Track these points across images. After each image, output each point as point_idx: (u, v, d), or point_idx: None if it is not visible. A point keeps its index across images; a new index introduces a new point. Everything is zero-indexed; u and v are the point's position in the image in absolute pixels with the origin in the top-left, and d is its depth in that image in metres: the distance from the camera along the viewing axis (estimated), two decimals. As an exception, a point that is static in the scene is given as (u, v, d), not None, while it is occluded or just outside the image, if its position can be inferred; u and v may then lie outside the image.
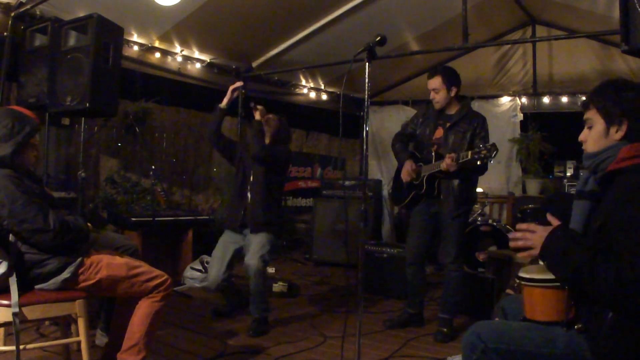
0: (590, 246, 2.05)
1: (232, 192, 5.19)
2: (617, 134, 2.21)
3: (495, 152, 4.20)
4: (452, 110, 4.73)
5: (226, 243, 4.88)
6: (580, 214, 2.29)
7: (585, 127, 2.34)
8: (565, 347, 2.13)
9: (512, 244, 2.25)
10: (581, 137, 2.36)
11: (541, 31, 8.47)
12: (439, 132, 4.74)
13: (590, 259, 1.98)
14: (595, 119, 2.28)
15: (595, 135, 2.28)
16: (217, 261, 4.78)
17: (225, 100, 4.82)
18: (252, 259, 4.58)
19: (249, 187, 4.91)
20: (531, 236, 2.19)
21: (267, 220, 4.81)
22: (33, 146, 3.27)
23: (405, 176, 4.79)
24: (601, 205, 2.19)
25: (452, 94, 4.66)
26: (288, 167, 5.30)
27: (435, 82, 4.67)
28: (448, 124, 4.69)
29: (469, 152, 4.29)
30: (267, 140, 4.92)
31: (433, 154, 4.65)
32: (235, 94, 4.88)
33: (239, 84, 4.85)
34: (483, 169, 4.55)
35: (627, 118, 2.19)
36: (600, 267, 1.95)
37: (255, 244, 4.69)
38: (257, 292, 4.63)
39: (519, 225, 2.26)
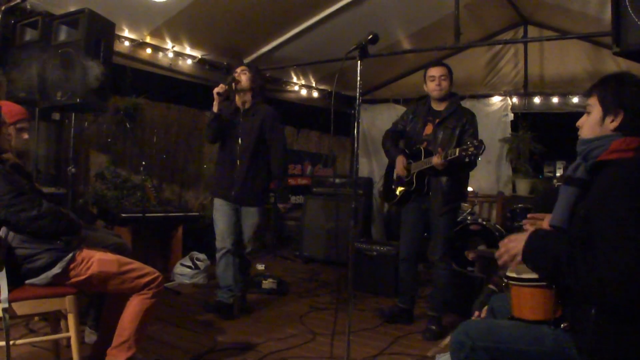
0: (569, 240, 2.09)
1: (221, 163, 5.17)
2: (611, 124, 2.24)
3: (482, 149, 4.22)
4: (442, 107, 4.76)
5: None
6: (567, 199, 2.32)
7: (585, 113, 2.38)
8: (553, 345, 2.15)
9: (499, 262, 2.31)
10: (579, 122, 2.40)
11: (533, 31, 8.50)
12: (429, 129, 4.77)
13: (569, 253, 2.03)
14: (594, 106, 2.31)
15: (591, 122, 2.31)
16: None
17: (215, 105, 4.79)
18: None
19: (238, 163, 4.94)
20: (513, 244, 2.25)
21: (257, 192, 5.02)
22: (6, 126, 3.23)
23: (399, 169, 4.80)
24: (588, 193, 2.21)
25: (451, 84, 4.76)
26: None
27: (443, 69, 4.75)
28: (437, 120, 4.72)
29: (457, 150, 4.31)
30: (249, 101, 4.96)
31: (422, 150, 4.67)
32: (222, 97, 4.82)
33: (220, 88, 4.76)
34: (472, 165, 4.56)
35: (623, 110, 2.21)
36: (578, 262, 1.99)
37: (248, 227, 5.03)
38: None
39: (501, 243, 2.32)
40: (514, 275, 2.40)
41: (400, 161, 4.79)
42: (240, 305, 5.12)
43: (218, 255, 5.03)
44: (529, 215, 2.67)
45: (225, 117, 4.89)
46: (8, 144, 3.25)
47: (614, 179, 2.09)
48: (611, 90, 2.26)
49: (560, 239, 2.14)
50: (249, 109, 4.95)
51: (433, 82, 4.73)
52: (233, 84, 4.80)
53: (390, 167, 5.01)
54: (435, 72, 4.74)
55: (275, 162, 4.98)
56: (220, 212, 5.01)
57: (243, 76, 4.90)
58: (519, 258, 2.22)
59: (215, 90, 4.72)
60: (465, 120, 4.64)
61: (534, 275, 2.28)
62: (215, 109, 4.78)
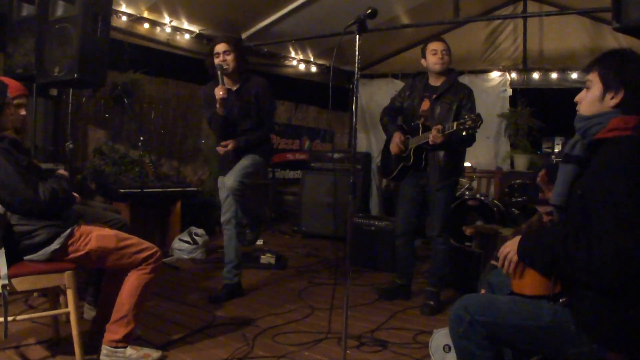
0: (561, 231, 2.12)
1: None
2: (611, 101, 2.22)
3: (480, 123, 4.23)
4: (438, 82, 4.73)
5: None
6: (565, 177, 2.34)
7: (584, 89, 2.34)
8: (551, 320, 2.16)
9: (504, 271, 2.37)
10: (577, 97, 2.36)
11: (532, 6, 8.42)
12: (425, 104, 4.75)
13: (562, 242, 2.05)
14: (594, 82, 2.28)
15: (590, 98, 2.29)
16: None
17: (220, 109, 4.60)
18: (229, 179, 4.65)
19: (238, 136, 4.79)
20: (509, 247, 2.32)
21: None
22: (9, 106, 3.21)
23: (394, 148, 4.80)
24: (585, 172, 2.23)
25: (450, 64, 4.73)
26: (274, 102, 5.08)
27: (444, 44, 4.71)
28: (434, 96, 4.69)
29: (454, 123, 4.30)
30: (239, 78, 4.77)
31: (420, 126, 4.67)
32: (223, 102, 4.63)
33: (224, 92, 4.56)
34: (471, 140, 4.56)
35: (624, 87, 2.19)
36: (572, 247, 2.02)
37: (238, 165, 4.73)
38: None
39: (499, 254, 2.38)
40: None
41: (397, 137, 4.79)
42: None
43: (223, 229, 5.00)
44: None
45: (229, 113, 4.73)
46: (9, 123, 3.24)
47: (611, 157, 2.09)
48: (613, 67, 2.23)
49: (551, 232, 2.18)
50: (241, 86, 4.77)
51: (435, 55, 4.68)
52: (222, 74, 4.61)
53: (388, 143, 5.00)
54: (437, 45, 4.70)
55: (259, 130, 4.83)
56: (223, 190, 4.91)
57: (228, 57, 4.66)
58: (516, 258, 2.27)
59: (220, 96, 4.54)
60: (462, 95, 4.62)
61: None
62: (220, 112, 4.62)
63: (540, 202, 3.54)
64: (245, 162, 4.73)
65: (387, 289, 5.07)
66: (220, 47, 4.68)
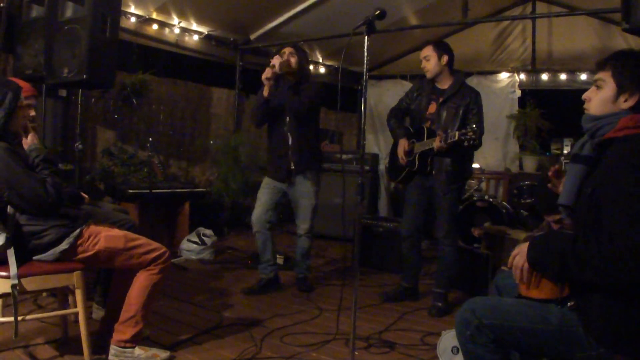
0: (570, 234, 2.10)
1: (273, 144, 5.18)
2: (625, 104, 2.18)
3: (480, 136, 4.29)
4: (446, 85, 4.71)
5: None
6: (574, 177, 2.31)
7: (593, 86, 2.30)
8: (559, 323, 2.15)
9: (517, 280, 2.34)
10: (586, 95, 2.32)
11: (541, 7, 8.42)
12: (432, 107, 4.73)
13: (572, 244, 2.03)
14: (607, 81, 2.23)
15: (602, 98, 2.24)
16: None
17: (266, 90, 4.81)
18: (300, 229, 5.19)
19: (289, 137, 5.00)
20: (518, 254, 2.29)
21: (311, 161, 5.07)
22: (21, 109, 3.23)
23: (400, 156, 4.80)
24: (595, 171, 2.21)
25: (443, 62, 4.66)
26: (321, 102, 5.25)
27: (426, 50, 4.72)
28: (441, 99, 4.68)
29: (456, 133, 4.29)
30: (294, 81, 4.99)
31: (425, 130, 4.66)
32: (272, 82, 4.81)
33: (268, 73, 4.75)
34: (477, 145, 4.52)
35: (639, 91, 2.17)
36: (582, 248, 2.00)
37: (306, 208, 5.11)
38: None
39: (509, 264, 2.35)
40: None
41: (402, 146, 4.78)
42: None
43: (254, 230, 5.11)
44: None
45: (273, 100, 4.89)
46: (20, 126, 3.25)
47: (622, 155, 2.07)
48: (629, 68, 2.18)
49: (559, 235, 2.16)
50: (294, 85, 4.97)
51: (422, 62, 4.77)
52: (279, 67, 4.78)
53: (396, 146, 4.99)
54: (420, 55, 4.79)
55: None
56: (267, 189, 5.11)
57: (292, 59, 4.95)
58: (527, 265, 2.24)
59: (264, 76, 4.75)
60: (469, 99, 4.60)
61: None
62: (265, 93, 4.81)
63: (548, 212, 3.54)
64: (309, 200, 5.08)
65: (392, 293, 5.06)
66: (287, 49, 5.04)
